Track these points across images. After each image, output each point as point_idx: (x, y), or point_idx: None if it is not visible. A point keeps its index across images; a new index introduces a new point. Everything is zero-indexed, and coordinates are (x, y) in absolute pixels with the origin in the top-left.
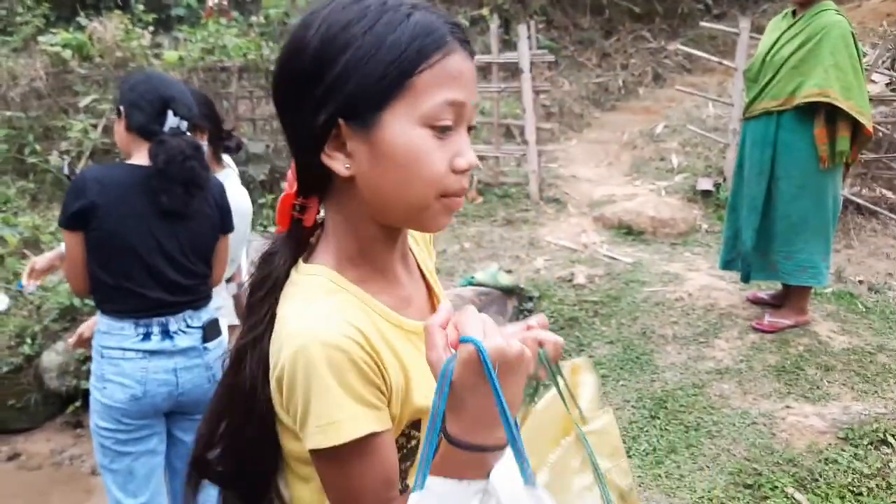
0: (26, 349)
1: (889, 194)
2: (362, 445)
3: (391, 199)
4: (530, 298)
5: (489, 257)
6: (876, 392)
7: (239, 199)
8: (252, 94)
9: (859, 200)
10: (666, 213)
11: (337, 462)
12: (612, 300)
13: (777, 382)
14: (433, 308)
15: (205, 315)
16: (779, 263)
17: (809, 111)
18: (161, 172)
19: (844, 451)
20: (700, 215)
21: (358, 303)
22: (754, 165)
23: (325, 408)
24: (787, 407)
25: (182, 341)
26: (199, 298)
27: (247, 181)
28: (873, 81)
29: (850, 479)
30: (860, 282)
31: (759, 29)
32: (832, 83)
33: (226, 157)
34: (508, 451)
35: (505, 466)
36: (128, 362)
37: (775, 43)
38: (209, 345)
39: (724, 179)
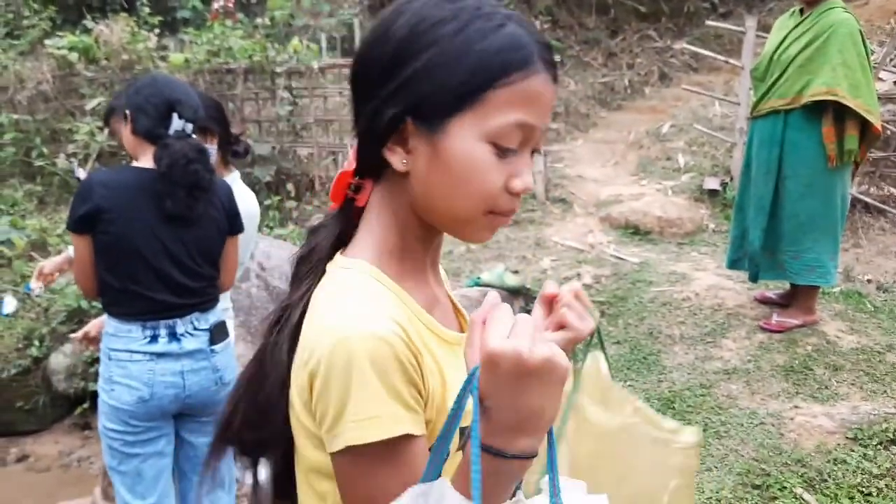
0: (34, 351)
1: (892, 192)
2: (396, 447)
3: (439, 205)
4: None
5: (495, 258)
6: (885, 392)
7: (247, 203)
8: (258, 96)
9: (867, 199)
10: (673, 212)
11: (365, 462)
12: (619, 300)
13: (785, 382)
14: (460, 324)
15: (212, 317)
16: (786, 263)
17: (817, 110)
18: (164, 176)
19: (853, 451)
20: (707, 215)
21: (397, 300)
22: (762, 164)
23: (365, 402)
24: (796, 407)
25: (189, 343)
26: (207, 301)
27: (252, 183)
28: (881, 79)
29: (859, 480)
30: (868, 281)
31: (765, 27)
32: (840, 81)
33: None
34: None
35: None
36: (135, 364)
37: (782, 41)
38: (216, 347)
39: (731, 179)
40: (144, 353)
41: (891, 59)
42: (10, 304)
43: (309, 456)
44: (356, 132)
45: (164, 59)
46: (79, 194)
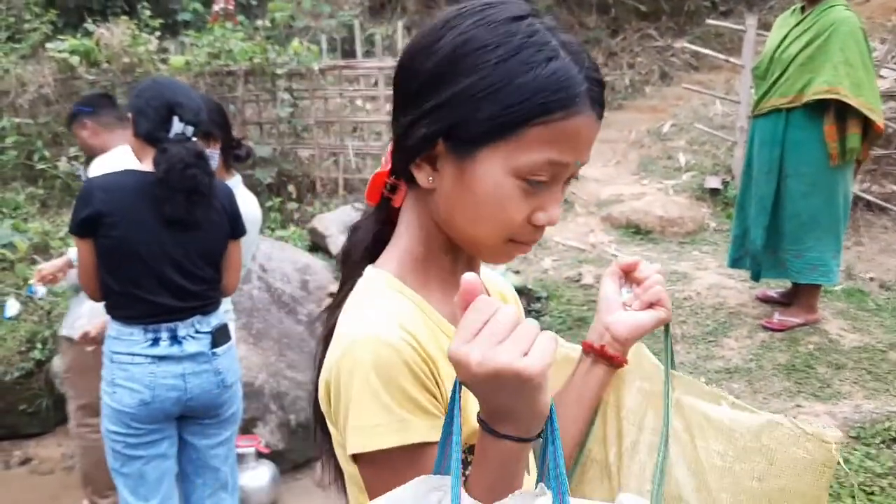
0: (37, 354)
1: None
2: (412, 454)
3: (459, 226)
4: (538, 299)
5: None
6: (888, 390)
7: (249, 206)
8: (258, 98)
9: (869, 197)
10: (674, 211)
11: (379, 470)
12: None
13: (787, 381)
14: None
15: (214, 320)
16: (788, 262)
17: (819, 108)
18: (162, 181)
19: (856, 450)
20: (708, 214)
21: (415, 308)
22: (763, 163)
23: (366, 410)
24: (798, 406)
25: (191, 346)
26: (208, 304)
27: (253, 184)
28: (882, 77)
29: (861, 479)
30: (871, 279)
31: (765, 26)
32: (842, 80)
33: None
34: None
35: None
36: (136, 367)
37: (783, 39)
38: (218, 350)
39: (732, 177)
40: (146, 356)
41: (892, 57)
42: (13, 307)
43: (347, 468)
44: (392, 135)
45: (164, 61)
46: (80, 198)
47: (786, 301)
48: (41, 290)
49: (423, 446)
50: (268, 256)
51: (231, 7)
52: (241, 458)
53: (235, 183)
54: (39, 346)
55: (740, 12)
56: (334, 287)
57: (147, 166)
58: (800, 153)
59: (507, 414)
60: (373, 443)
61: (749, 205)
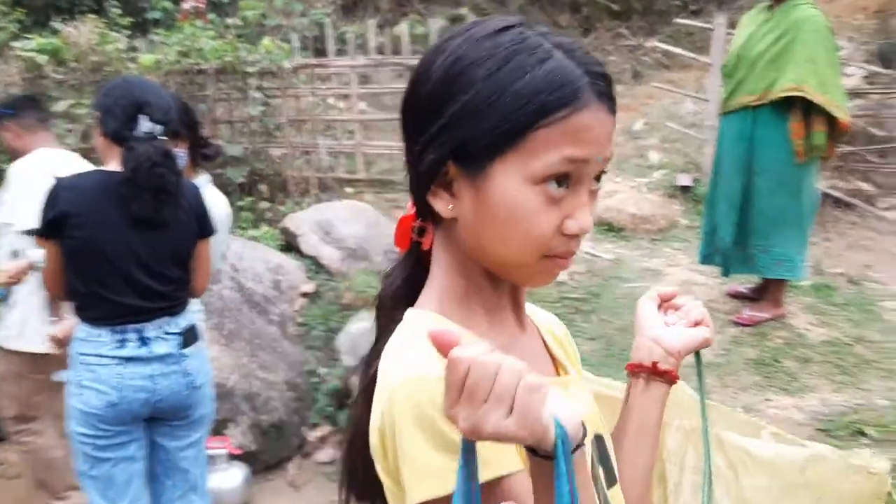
0: None
1: (866, 187)
2: (488, 488)
3: (489, 250)
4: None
5: None
6: (854, 383)
7: (217, 205)
8: (229, 97)
9: (837, 193)
10: (646, 209)
11: None
12: (594, 297)
13: (756, 375)
14: (555, 368)
15: (183, 321)
16: (756, 257)
17: (785, 106)
18: (129, 180)
19: (824, 443)
20: (680, 211)
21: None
22: (732, 160)
23: (415, 453)
24: (767, 400)
25: (159, 348)
26: (176, 305)
27: (225, 184)
28: (848, 75)
29: None
30: (839, 274)
31: (734, 24)
32: (807, 78)
33: None
34: None
35: None
36: (104, 368)
37: (751, 38)
38: (187, 351)
39: (703, 175)
40: (113, 357)
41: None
42: None
43: None
44: (407, 174)
45: (133, 60)
46: (45, 199)
47: (755, 296)
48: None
49: (485, 485)
50: (239, 256)
51: (201, 5)
52: (211, 459)
53: (203, 182)
54: None
55: (710, 11)
56: (308, 287)
57: (113, 166)
58: (767, 150)
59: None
60: (429, 490)
61: (718, 202)
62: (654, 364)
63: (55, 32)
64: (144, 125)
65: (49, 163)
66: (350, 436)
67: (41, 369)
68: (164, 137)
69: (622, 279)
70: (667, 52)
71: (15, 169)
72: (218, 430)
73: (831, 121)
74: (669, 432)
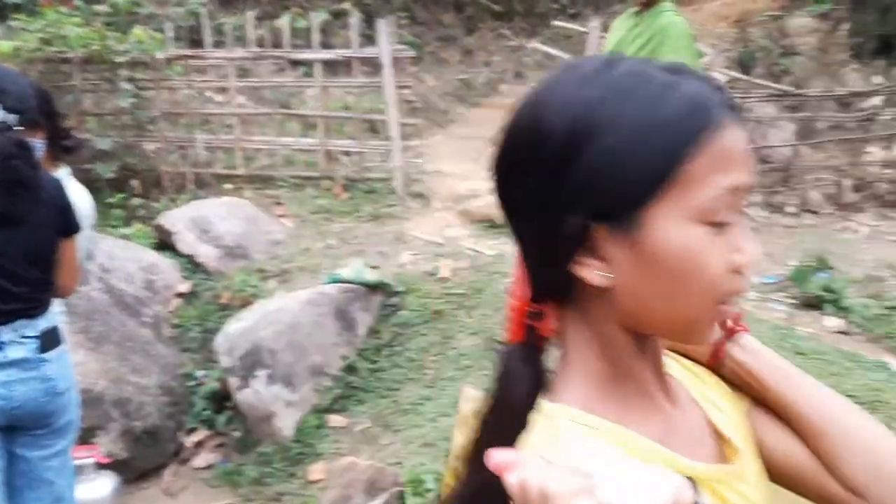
0: None
1: None
2: None
3: (659, 314)
4: (396, 293)
5: (355, 253)
6: None
7: (78, 201)
8: (98, 87)
9: None
10: None
11: None
12: (476, 292)
13: None
14: (720, 447)
15: (42, 323)
16: None
17: None
18: None
19: None
20: None
21: (620, 450)
22: None
23: None
24: None
25: (14, 352)
26: (34, 307)
27: (93, 179)
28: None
29: None
30: None
31: (608, 28)
32: None
33: None
34: None
35: None
36: None
37: (621, 42)
38: (47, 355)
39: None
40: None
41: (721, 61)
42: None
43: None
44: (521, 252)
45: None
46: None
47: None
48: None
49: None
50: (109, 255)
51: None
52: (78, 469)
53: (63, 176)
54: None
55: (588, 15)
56: (183, 286)
57: None
58: None
59: None
60: None
61: None
62: (725, 329)
63: None
64: None
65: None
66: None
67: None
68: (20, 127)
69: (504, 274)
70: (547, 54)
71: None
72: (86, 438)
73: None
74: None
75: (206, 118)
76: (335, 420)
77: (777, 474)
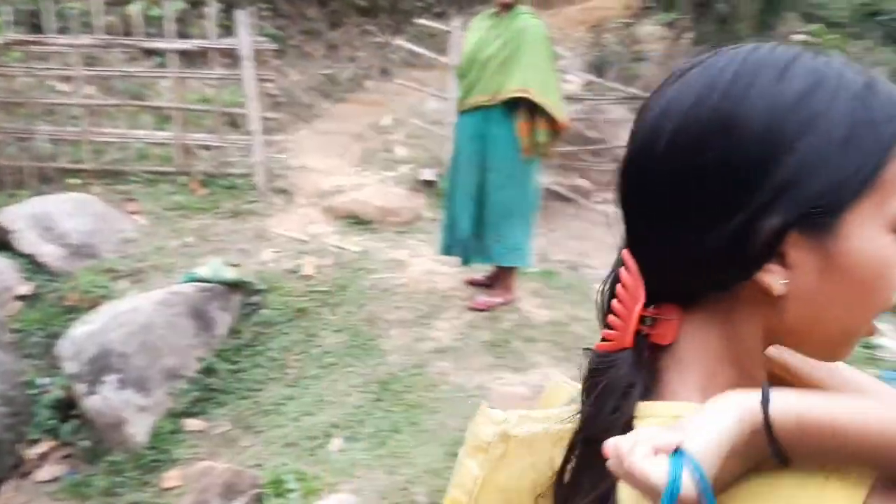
0: None
1: (583, 183)
2: None
3: (831, 323)
4: (257, 292)
5: (214, 251)
6: (569, 359)
7: None
8: None
9: (559, 189)
10: (392, 202)
11: None
12: (340, 289)
13: (489, 356)
14: None
15: None
16: (491, 247)
17: (513, 106)
18: None
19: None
20: (423, 204)
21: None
22: (467, 157)
23: None
24: (498, 378)
25: None
26: None
27: None
28: (570, 81)
29: None
30: (560, 261)
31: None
32: (531, 81)
33: None
34: None
35: None
36: None
37: (480, 42)
38: None
39: (445, 170)
40: None
41: (578, 64)
42: None
43: None
44: (655, 259)
45: None
46: None
47: (489, 284)
48: None
49: None
50: None
51: None
52: None
53: None
54: None
55: (451, 14)
56: (23, 288)
57: None
58: (498, 147)
59: None
60: None
61: (456, 196)
62: None
63: None
64: None
65: None
66: None
67: None
68: None
69: (368, 271)
70: (412, 51)
71: None
72: None
73: (552, 121)
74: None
75: (50, 108)
76: (192, 424)
77: None
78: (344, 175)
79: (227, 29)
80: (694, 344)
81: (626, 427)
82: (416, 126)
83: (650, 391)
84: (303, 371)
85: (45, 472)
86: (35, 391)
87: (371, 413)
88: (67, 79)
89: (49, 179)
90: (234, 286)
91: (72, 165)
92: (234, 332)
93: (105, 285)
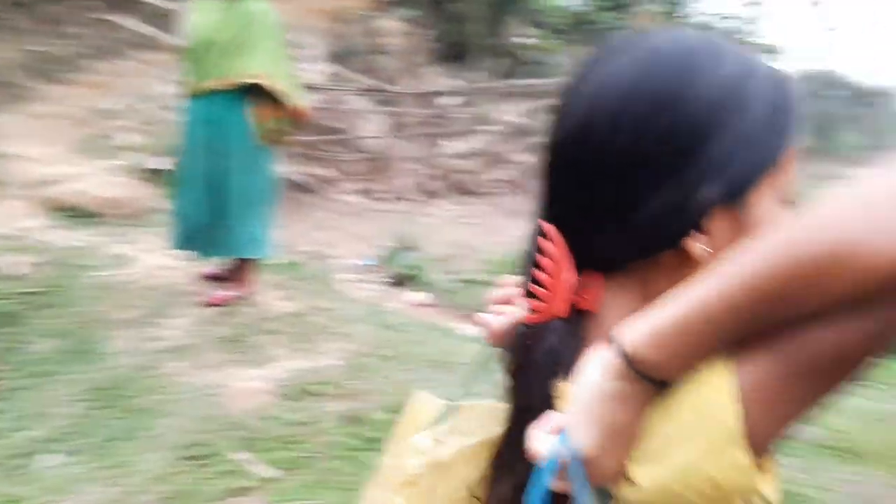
0: None
1: (327, 173)
2: None
3: None
4: None
5: None
6: (308, 349)
7: None
8: None
9: (301, 178)
10: (117, 193)
11: None
12: (56, 289)
13: (226, 353)
14: None
15: None
16: (226, 238)
17: (247, 92)
18: None
19: (283, 405)
20: (152, 195)
21: None
22: (198, 144)
23: None
24: (234, 374)
25: None
26: None
27: None
28: (309, 72)
29: (288, 431)
30: (304, 252)
31: None
32: (264, 67)
33: None
34: None
35: None
36: None
37: (209, 25)
38: None
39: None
40: None
41: (319, 54)
42: None
43: None
44: (607, 229)
45: None
46: None
47: (227, 277)
48: None
49: None
50: None
51: None
52: None
53: None
54: None
55: None
56: None
57: None
58: (231, 134)
59: None
60: None
61: (188, 185)
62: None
63: None
64: None
65: None
66: None
67: None
68: None
69: (90, 268)
70: (139, 31)
71: None
72: None
73: (286, 108)
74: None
75: None
76: None
77: None
78: (62, 164)
79: None
80: (615, 311)
81: (550, 405)
82: (143, 111)
83: (574, 365)
84: (10, 383)
85: None
86: None
87: (95, 422)
88: None
89: None
90: None
91: None
92: None
93: None
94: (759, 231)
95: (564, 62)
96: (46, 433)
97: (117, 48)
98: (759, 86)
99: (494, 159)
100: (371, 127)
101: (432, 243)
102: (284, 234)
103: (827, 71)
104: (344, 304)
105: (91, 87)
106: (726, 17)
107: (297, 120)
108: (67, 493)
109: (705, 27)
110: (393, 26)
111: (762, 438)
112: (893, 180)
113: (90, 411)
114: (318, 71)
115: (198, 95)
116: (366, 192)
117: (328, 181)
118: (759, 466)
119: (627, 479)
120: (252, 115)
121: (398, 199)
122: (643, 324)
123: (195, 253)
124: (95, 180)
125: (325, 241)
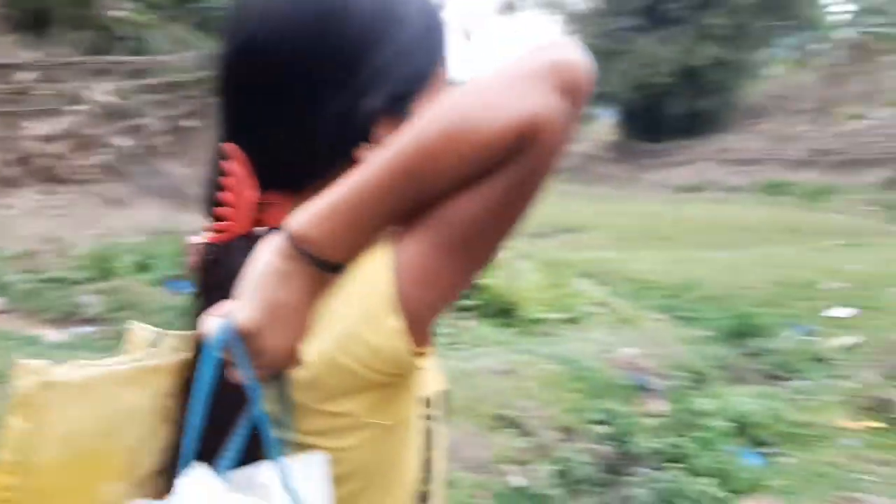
0: None
1: None
2: None
3: None
4: None
5: None
6: None
7: None
8: None
9: None
10: None
11: None
12: None
13: None
14: None
15: None
16: None
17: None
18: None
19: None
20: None
21: None
22: None
23: None
24: None
25: None
26: None
27: None
28: None
29: None
30: None
31: None
32: None
33: None
34: None
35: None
36: None
37: None
38: None
39: None
40: None
41: None
42: None
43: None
44: (285, 144)
45: None
46: None
47: None
48: None
49: None
50: None
51: None
52: None
53: None
54: None
55: None
56: None
57: None
58: None
59: None
60: None
61: None
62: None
63: None
64: None
65: None
66: None
67: None
68: None
69: None
70: None
71: None
72: None
73: None
74: None
75: None
76: None
77: None
78: None
79: None
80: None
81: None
82: None
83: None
84: None
85: None
86: None
87: None
88: None
89: None
90: None
91: None
92: None
93: None
94: None
95: (163, 39)
96: None
97: None
98: (413, 5)
99: (86, 142)
100: None
101: (10, 238)
102: None
103: None
104: None
105: None
106: None
107: None
108: None
109: None
110: None
111: (416, 308)
112: (506, 69)
113: None
114: None
115: None
116: None
117: None
118: (418, 353)
119: (299, 360)
120: None
121: None
122: (309, 207)
123: None
124: None
125: None
